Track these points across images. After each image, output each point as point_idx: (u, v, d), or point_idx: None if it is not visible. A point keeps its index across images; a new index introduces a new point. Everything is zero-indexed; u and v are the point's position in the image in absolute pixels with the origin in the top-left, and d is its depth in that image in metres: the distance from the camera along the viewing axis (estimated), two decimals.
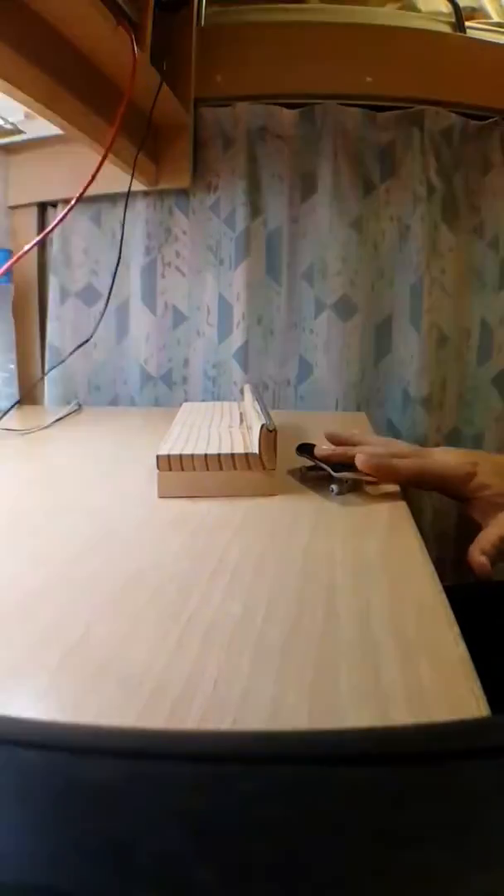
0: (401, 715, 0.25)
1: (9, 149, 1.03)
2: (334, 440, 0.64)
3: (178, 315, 1.07)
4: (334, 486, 0.55)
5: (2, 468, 0.69)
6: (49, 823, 0.14)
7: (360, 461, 0.54)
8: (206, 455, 0.53)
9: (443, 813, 0.14)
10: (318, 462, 0.58)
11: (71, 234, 1.07)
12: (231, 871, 0.13)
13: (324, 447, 0.60)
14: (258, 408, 0.63)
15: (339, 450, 0.59)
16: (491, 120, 1.03)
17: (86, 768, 0.15)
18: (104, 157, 0.73)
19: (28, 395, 1.04)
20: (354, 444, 0.62)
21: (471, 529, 1.04)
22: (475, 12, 1.10)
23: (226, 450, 0.54)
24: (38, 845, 0.13)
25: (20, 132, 0.96)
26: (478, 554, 0.53)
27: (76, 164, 0.87)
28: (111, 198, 1.03)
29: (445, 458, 0.60)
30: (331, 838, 0.13)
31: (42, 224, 1.08)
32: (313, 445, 0.61)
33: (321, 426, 0.88)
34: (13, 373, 1.01)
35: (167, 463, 0.53)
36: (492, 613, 0.98)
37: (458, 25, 1.04)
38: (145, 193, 1.03)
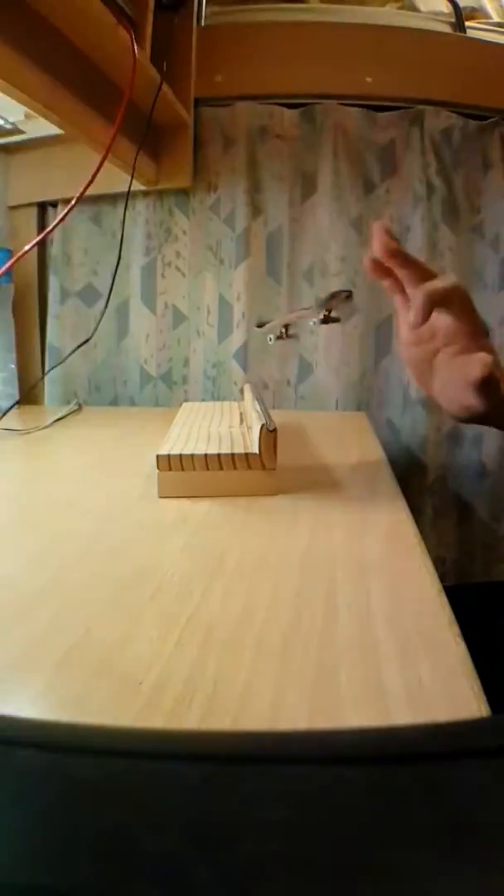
0: (401, 715, 0.25)
1: (9, 149, 1.03)
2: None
3: (178, 315, 1.07)
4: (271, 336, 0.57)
5: (2, 468, 0.69)
6: (48, 823, 0.14)
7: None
8: (206, 455, 0.53)
9: (442, 813, 0.14)
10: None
11: (71, 234, 1.07)
12: (231, 872, 0.13)
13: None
14: (258, 408, 0.63)
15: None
16: (491, 120, 1.03)
17: (85, 768, 0.15)
18: (104, 157, 0.73)
19: (28, 395, 1.04)
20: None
21: (472, 532, 1.03)
22: (475, 12, 1.10)
23: (226, 450, 0.54)
24: (37, 845, 0.13)
25: (20, 132, 0.95)
26: (483, 357, 0.49)
27: (76, 164, 0.87)
28: (111, 198, 1.03)
29: None
30: (331, 838, 0.13)
31: (42, 224, 1.08)
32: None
33: (321, 426, 0.88)
34: (13, 373, 1.01)
35: (167, 463, 0.53)
36: (492, 613, 0.98)
37: (458, 25, 1.04)
38: (145, 193, 1.03)
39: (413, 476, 1.07)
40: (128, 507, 0.52)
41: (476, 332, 0.53)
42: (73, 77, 0.71)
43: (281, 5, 1.05)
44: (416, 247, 1.02)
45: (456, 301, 0.52)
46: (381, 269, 0.53)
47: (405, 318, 0.56)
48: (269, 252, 1.04)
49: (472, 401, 0.52)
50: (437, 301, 0.51)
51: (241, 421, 0.70)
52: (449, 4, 1.05)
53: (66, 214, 0.79)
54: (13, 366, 1.01)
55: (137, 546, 0.44)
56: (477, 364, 0.49)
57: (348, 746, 0.17)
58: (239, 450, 0.54)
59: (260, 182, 1.03)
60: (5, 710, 0.26)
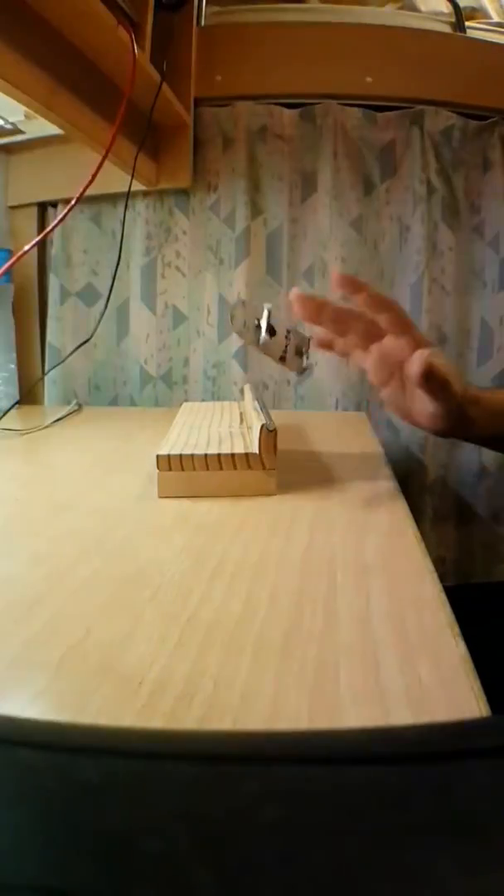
0: (401, 715, 0.25)
1: (9, 149, 1.03)
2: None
3: (178, 315, 1.07)
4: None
5: (2, 468, 0.69)
6: (48, 823, 0.14)
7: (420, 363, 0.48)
8: (206, 455, 0.53)
9: (443, 813, 0.14)
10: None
11: (71, 234, 1.07)
12: (231, 872, 0.13)
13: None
14: (258, 408, 0.63)
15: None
16: (491, 120, 1.03)
17: (85, 768, 0.15)
18: (104, 157, 0.73)
19: (28, 395, 1.04)
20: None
21: (472, 532, 1.03)
22: (475, 12, 1.10)
23: (226, 450, 0.54)
24: (36, 845, 0.13)
25: (20, 132, 0.96)
26: (418, 353, 0.48)
27: (76, 164, 0.87)
28: (111, 198, 1.03)
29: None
30: (331, 838, 0.13)
31: (42, 224, 1.08)
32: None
33: (321, 426, 0.88)
34: (13, 373, 1.01)
35: (167, 463, 0.53)
36: (492, 613, 0.98)
37: (458, 25, 1.04)
38: (145, 193, 1.03)
39: (413, 476, 1.07)
40: (128, 507, 0.52)
41: (421, 343, 0.53)
42: (73, 77, 0.71)
43: (281, 5, 1.05)
44: (416, 247, 1.02)
45: (395, 311, 0.53)
46: (308, 310, 0.55)
47: (370, 366, 0.55)
48: (269, 252, 1.04)
49: (429, 406, 0.51)
50: (374, 293, 0.52)
51: (241, 421, 0.70)
52: (449, 4, 1.05)
53: (66, 214, 0.79)
54: (13, 366, 1.01)
55: (137, 546, 0.44)
56: (414, 362, 0.48)
57: (348, 746, 0.17)
58: (239, 450, 0.54)
59: (260, 182, 1.03)
60: (5, 710, 0.26)
